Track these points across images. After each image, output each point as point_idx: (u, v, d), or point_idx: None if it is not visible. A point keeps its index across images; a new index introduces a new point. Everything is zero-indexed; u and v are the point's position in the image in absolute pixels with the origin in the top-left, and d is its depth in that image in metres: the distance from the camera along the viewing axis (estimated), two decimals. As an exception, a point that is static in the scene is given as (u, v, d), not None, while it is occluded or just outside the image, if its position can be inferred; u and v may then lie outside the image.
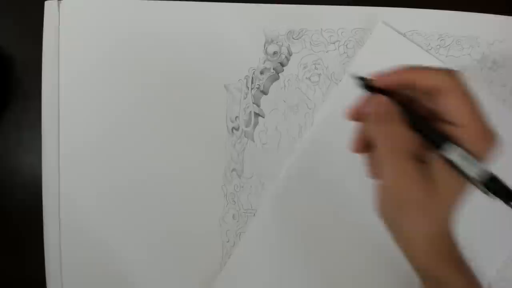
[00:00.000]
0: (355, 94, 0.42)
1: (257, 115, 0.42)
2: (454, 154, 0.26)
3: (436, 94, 0.27)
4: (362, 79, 0.29)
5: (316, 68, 0.43)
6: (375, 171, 0.30)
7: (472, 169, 0.25)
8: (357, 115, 0.29)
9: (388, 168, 0.27)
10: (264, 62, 0.42)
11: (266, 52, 0.42)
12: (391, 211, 0.28)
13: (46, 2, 0.41)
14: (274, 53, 0.43)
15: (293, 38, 0.43)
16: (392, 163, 0.27)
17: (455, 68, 0.27)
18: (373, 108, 0.28)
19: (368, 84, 0.29)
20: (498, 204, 0.42)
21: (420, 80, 0.27)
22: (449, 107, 0.26)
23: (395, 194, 0.27)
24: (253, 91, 0.42)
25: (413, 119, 0.27)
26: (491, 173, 0.25)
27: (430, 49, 0.43)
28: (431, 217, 0.27)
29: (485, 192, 0.26)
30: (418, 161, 0.27)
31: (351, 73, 0.30)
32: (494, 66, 0.43)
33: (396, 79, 0.28)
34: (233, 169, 0.42)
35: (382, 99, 0.28)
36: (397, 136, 0.27)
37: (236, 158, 0.42)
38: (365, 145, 0.30)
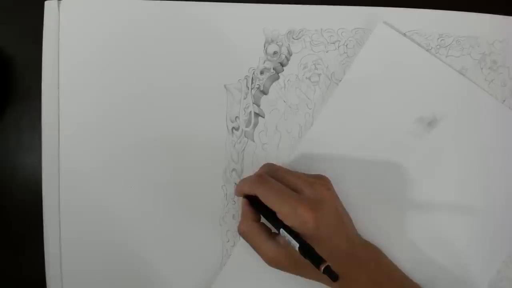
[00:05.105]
0: (355, 94, 0.42)
1: (257, 115, 0.42)
2: (283, 234, 0.34)
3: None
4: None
5: (316, 68, 0.43)
6: None
7: (291, 243, 0.33)
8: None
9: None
10: (264, 62, 0.42)
11: (266, 52, 0.42)
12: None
13: (46, 2, 0.41)
14: (274, 53, 0.42)
15: (293, 38, 0.43)
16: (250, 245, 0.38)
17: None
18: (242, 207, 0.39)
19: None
20: (497, 205, 0.42)
21: (245, 191, 0.38)
22: (266, 203, 0.36)
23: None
24: (253, 91, 0.42)
25: (263, 214, 0.38)
26: (298, 245, 0.32)
27: (430, 49, 0.43)
28: None
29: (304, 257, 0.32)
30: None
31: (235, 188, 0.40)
32: (494, 66, 0.43)
33: (239, 190, 0.38)
34: (233, 169, 0.42)
35: (243, 201, 0.39)
36: (252, 227, 0.38)
37: (236, 158, 0.42)
38: None
